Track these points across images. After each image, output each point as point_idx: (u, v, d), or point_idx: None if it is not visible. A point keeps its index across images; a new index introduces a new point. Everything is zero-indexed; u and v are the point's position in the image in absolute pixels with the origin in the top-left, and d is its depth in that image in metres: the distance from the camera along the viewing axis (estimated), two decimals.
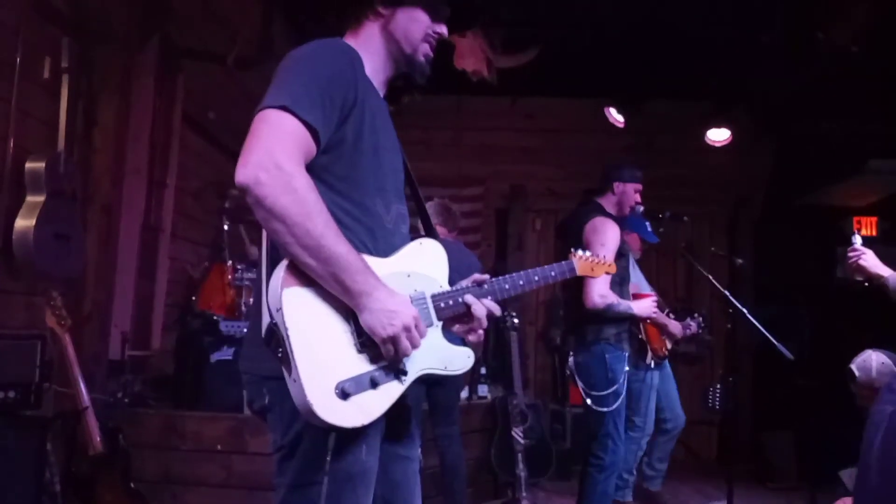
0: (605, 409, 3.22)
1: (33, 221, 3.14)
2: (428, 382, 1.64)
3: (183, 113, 4.73)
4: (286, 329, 1.39)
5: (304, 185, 1.40)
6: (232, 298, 4.49)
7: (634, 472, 4.56)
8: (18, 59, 3.22)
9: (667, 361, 4.69)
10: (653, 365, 4.40)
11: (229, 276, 4.50)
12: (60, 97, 3.44)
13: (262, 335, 1.44)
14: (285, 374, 1.41)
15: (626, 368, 3.28)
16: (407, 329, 1.45)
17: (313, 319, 1.44)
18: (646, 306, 3.33)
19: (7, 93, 3.19)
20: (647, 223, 4.26)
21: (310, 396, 1.37)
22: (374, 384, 1.46)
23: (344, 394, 1.41)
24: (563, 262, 2.02)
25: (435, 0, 1.72)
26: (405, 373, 1.51)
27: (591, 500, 3.26)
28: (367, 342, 1.47)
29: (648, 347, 4.46)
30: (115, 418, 3.41)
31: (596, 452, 3.28)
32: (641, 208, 3.56)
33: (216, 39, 4.61)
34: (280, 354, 1.40)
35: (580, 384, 3.30)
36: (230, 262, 4.56)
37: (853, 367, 3.33)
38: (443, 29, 1.74)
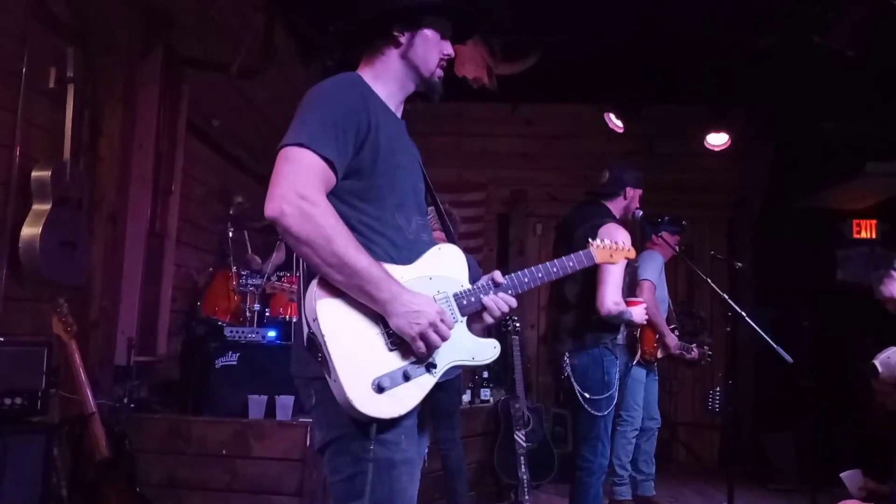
0: (599, 414, 3.23)
1: (39, 229, 3.18)
2: None
3: (187, 121, 4.77)
4: (323, 336, 1.54)
5: (324, 212, 1.55)
6: (236, 304, 4.52)
7: (629, 468, 4.59)
8: (24, 69, 3.26)
9: (655, 365, 4.72)
10: (634, 362, 4.43)
11: (234, 282, 4.53)
12: (66, 106, 3.47)
13: (304, 343, 1.59)
14: (326, 375, 1.55)
15: (618, 374, 3.32)
16: (433, 325, 1.59)
17: (346, 325, 1.58)
18: (639, 312, 3.35)
19: (13, 102, 3.23)
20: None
21: (349, 393, 1.52)
22: (406, 378, 1.60)
23: (380, 388, 1.55)
24: (581, 252, 2.07)
25: (442, 20, 1.84)
26: (435, 365, 1.64)
27: (585, 503, 3.28)
28: (397, 340, 1.61)
29: (639, 347, 4.49)
30: (121, 423, 3.44)
31: (584, 454, 3.29)
32: (640, 213, 3.58)
33: (219, 49, 4.65)
34: (320, 359, 1.55)
35: (576, 386, 3.27)
36: (234, 269, 4.59)
37: (876, 362, 3.31)
38: (449, 48, 1.86)
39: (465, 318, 1.74)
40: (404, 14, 1.80)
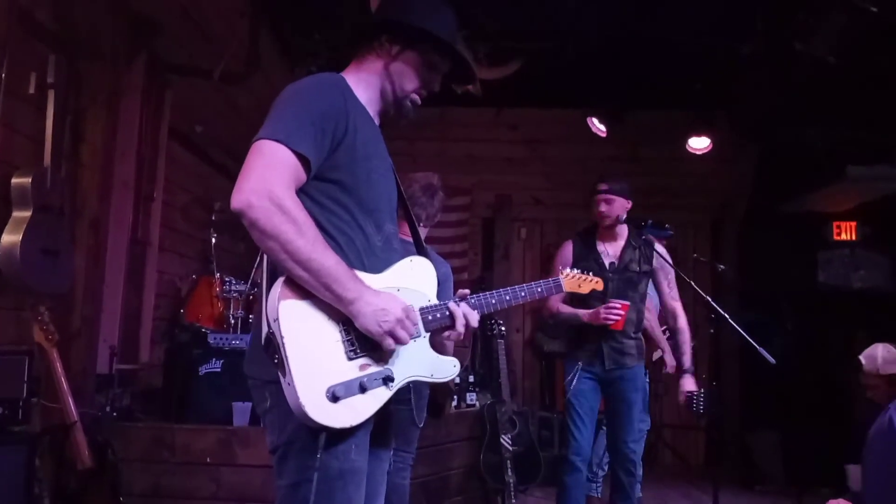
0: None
1: (20, 237, 3.13)
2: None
3: (170, 127, 4.74)
4: (282, 337, 1.51)
5: (293, 206, 1.52)
6: (220, 310, 4.49)
7: (605, 468, 4.61)
8: (3, 75, 3.22)
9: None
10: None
11: (217, 289, 4.50)
12: (47, 112, 3.44)
13: (262, 343, 1.56)
14: (280, 378, 1.52)
15: (579, 370, 3.60)
16: (400, 321, 1.58)
17: (307, 329, 1.56)
18: (591, 313, 3.52)
19: None
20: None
21: (302, 399, 1.49)
22: (362, 389, 1.57)
23: (334, 397, 1.53)
24: (551, 279, 2.18)
25: (436, 58, 1.83)
26: (392, 379, 1.63)
27: (558, 493, 3.70)
28: (357, 350, 1.59)
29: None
30: (104, 432, 3.40)
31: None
32: (624, 216, 3.60)
33: (203, 54, 4.63)
34: (276, 360, 1.52)
35: None
36: (218, 275, 4.56)
37: (861, 357, 3.39)
38: (434, 83, 1.86)
39: (429, 333, 1.74)
40: (401, 28, 1.80)
